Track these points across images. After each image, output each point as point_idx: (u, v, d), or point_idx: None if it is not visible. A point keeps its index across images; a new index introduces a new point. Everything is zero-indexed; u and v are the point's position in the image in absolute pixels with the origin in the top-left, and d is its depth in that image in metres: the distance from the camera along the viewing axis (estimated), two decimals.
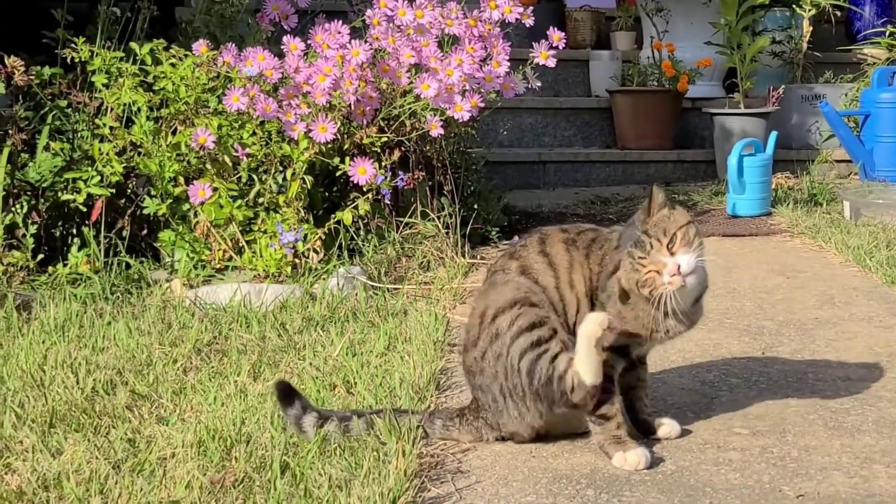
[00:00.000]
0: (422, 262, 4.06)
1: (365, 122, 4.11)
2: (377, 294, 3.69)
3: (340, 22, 4.09)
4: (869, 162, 6.19)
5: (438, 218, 4.24)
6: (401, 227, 4.23)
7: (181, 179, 3.98)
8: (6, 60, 3.94)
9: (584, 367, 2.24)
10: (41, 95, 4.12)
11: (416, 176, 4.20)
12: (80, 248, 3.92)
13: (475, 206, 4.62)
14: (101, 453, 2.30)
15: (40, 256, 3.82)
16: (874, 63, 6.92)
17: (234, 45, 4.08)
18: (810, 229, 4.83)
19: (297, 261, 3.83)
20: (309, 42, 4.07)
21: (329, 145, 4.00)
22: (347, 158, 4.04)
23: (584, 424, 2.35)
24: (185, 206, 4.01)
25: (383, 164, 4.06)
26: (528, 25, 4.42)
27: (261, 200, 4.00)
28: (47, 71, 4.18)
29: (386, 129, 4.18)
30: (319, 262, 3.87)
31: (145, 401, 2.66)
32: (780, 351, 3.11)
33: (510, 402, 2.33)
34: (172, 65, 4.08)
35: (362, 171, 3.95)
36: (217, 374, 2.86)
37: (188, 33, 4.76)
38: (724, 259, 4.32)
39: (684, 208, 2.31)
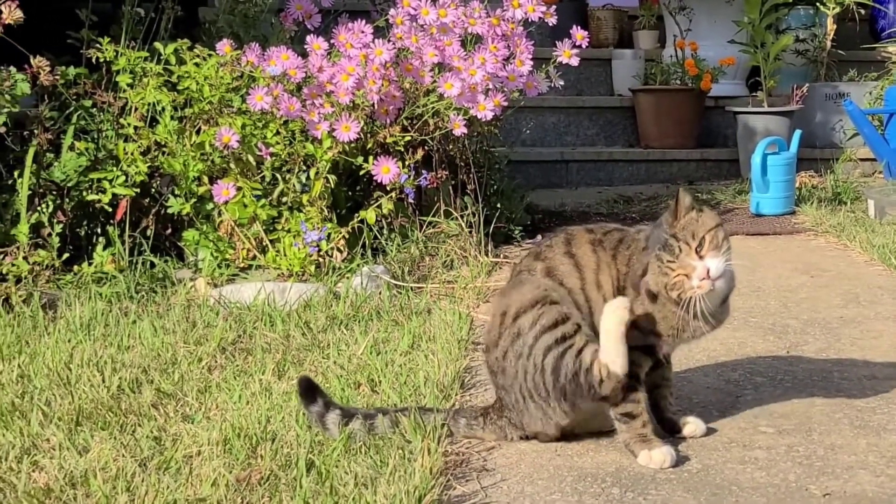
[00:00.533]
0: (445, 261, 4.07)
1: (388, 121, 4.11)
2: (401, 293, 3.69)
3: (364, 21, 4.09)
4: (893, 160, 6.14)
5: (461, 217, 4.23)
6: (424, 226, 4.23)
7: (205, 179, 4.00)
8: (32, 60, 3.96)
9: (613, 356, 2.24)
10: (66, 95, 4.14)
11: (439, 175, 4.20)
12: (105, 248, 3.94)
13: (498, 206, 4.62)
14: (128, 451, 2.31)
15: (66, 255, 3.84)
16: None
17: (257, 44, 4.10)
18: (835, 228, 4.81)
19: (320, 260, 3.83)
20: (332, 41, 4.07)
21: (352, 144, 4.01)
22: (371, 157, 4.04)
23: (608, 424, 2.35)
24: (209, 206, 4.02)
25: (406, 163, 4.06)
26: (550, 24, 4.42)
27: (284, 200, 4.01)
28: (72, 71, 4.20)
29: (409, 128, 4.18)
30: (343, 260, 3.88)
31: (171, 399, 2.67)
32: (805, 350, 3.10)
33: (531, 403, 2.33)
34: (196, 64, 4.09)
35: (386, 170, 3.95)
36: (242, 372, 2.87)
37: (212, 33, 4.78)
38: (748, 258, 4.30)
39: (711, 209, 2.31)
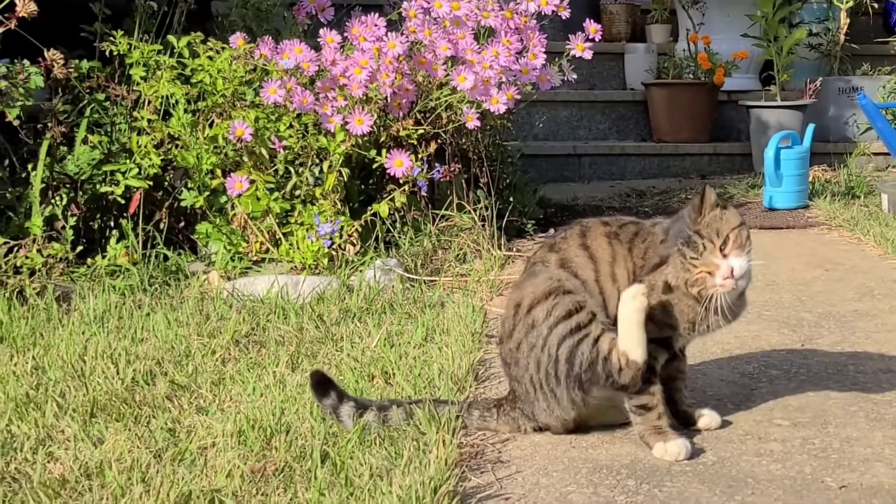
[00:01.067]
0: (458, 255, 4.06)
1: (401, 114, 4.11)
2: (414, 286, 3.69)
3: (377, 14, 4.10)
4: None
5: (474, 210, 4.23)
6: (437, 220, 4.23)
7: (218, 172, 4.00)
8: (46, 54, 3.96)
9: (632, 343, 2.24)
10: (80, 88, 4.14)
11: (452, 168, 4.20)
12: (118, 240, 3.94)
13: (511, 199, 4.62)
14: (142, 442, 2.31)
15: (79, 248, 3.84)
16: None
17: (270, 38, 4.10)
18: (848, 222, 4.80)
19: (333, 253, 3.83)
20: (345, 35, 4.08)
21: (365, 138, 4.01)
22: (384, 151, 4.04)
23: (623, 416, 2.35)
24: (223, 199, 4.02)
25: (419, 156, 4.05)
26: (563, 18, 4.41)
27: (297, 193, 4.01)
28: (85, 64, 4.20)
29: (422, 121, 4.18)
30: (356, 254, 3.88)
31: (185, 391, 2.67)
32: (819, 343, 3.09)
33: (539, 394, 2.33)
34: (210, 58, 4.09)
35: (399, 164, 3.95)
36: (255, 364, 2.87)
37: (224, 27, 4.78)
38: (762, 252, 4.27)
39: (734, 207, 2.30)
